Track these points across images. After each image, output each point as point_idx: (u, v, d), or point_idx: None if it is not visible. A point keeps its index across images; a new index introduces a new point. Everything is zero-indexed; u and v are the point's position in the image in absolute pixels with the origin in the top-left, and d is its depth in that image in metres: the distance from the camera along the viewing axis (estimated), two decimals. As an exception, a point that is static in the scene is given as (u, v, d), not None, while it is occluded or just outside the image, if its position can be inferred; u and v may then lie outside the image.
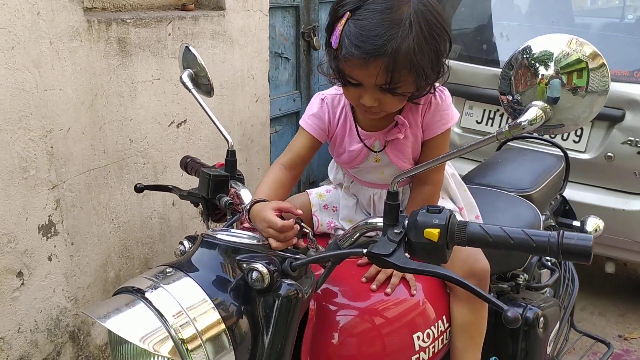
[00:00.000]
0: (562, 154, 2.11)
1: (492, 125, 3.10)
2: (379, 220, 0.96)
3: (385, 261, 0.87)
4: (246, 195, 1.20)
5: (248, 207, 1.10)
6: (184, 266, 0.94)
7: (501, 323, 1.57)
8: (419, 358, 1.14)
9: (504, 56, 3.11)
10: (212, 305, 0.90)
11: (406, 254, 0.89)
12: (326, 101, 1.37)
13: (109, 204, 2.14)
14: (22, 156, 1.80)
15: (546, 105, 0.83)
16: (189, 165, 1.40)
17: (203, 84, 1.34)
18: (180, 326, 0.86)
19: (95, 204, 2.08)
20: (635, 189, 2.71)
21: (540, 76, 0.84)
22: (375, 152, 1.36)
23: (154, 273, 0.93)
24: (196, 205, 1.26)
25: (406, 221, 0.91)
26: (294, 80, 3.82)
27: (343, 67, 1.16)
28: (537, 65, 0.84)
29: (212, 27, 2.48)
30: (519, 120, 0.85)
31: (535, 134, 2.76)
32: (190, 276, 0.92)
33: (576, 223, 2.30)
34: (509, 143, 2.30)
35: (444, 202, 1.44)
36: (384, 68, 1.11)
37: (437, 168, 1.33)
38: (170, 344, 0.84)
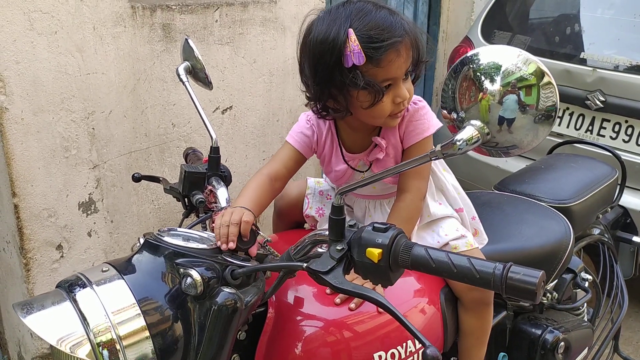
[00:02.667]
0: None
1: (559, 125, 2.89)
2: (325, 233, 0.90)
3: (322, 278, 0.82)
4: (222, 195, 1.18)
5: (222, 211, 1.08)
6: (122, 267, 0.94)
7: (518, 342, 1.48)
8: None
9: (576, 50, 2.87)
10: (139, 311, 0.89)
11: (351, 272, 0.84)
12: (312, 122, 1.37)
13: (150, 185, 2.21)
14: (64, 136, 1.89)
15: (482, 125, 0.74)
16: (189, 156, 1.41)
17: (201, 77, 1.33)
18: (100, 330, 0.86)
19: (135, 184, 2.16)
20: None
21: (484, 90, 0.75)
22: (362, 171, 1.36)
23: (92, 271, 0.94)
24: (178, 200, 1.27)
25: (351, 237, 0.85)
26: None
27: (376, 73, 1.16)
28: (483, 78, 0.75)
29: (262, 14, 2.48)
30: (454, 139, 0.77)
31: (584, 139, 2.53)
32: (123, 278, 0.92)
33: (637, 238, 2.10)
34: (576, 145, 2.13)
35: (439, 207, 1.38)
36: (410, 47, 1.18)
37: (417, 176, 1.30)
38: (87, 347, 0.85)
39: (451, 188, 1.43)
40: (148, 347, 0.88)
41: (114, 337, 0.86)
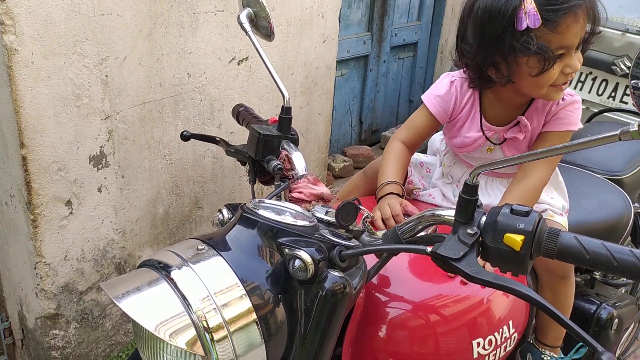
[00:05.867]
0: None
1: (580, 90, 2.80)
2: (448, 214, 0.81)
3: (453, 266, 0.73)
4: (298, 160, 1.06)
5: (380, 186, 1.22)
6: (218, 243, 0.82)
7: (570, 319, 1.43)
8: None
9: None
10: (244, 291, 0.78)
11: (478, 259, 0.74)
12: (455, 84, 1.34)
13: (162, 139, 2.07)
14: (76, 83, 1.73)
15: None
16: (240, 115, 1.27)
17: (262, 26, 1.18)
18: (206, 313, 0.75)
19: (148, 138, 2.01)
20: None
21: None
22: (494, 144, 1.33)
23: (184, 248, 0.82)
24: (243, 164, 1.14)
25: (483, 220, 0.76)
26: (367, 20, 3.59)
27: (550, 39, 1.12)
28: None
29: (283, -43, 2.30)
30: None
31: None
32: (222, 256, 0.80)
33: None
34: (607, 115, 2.05)
35: (552, 200, 1.33)
36: (587, 15, 1.13)
37: (547, 161, 1.25)
38: (190, 333, 0.74)
39: (564, 187, 1.40)
40: (256, 333, 0.78)
41: (221, 320, 0.75)
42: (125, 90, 1.88)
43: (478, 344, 0.99)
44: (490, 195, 1.36)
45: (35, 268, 1.84)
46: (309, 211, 0.89)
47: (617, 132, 0.64)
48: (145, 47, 1.89)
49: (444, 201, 1.40)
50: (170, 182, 2.16)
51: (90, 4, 1.68)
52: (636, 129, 0.64)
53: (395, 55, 3.94)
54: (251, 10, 1.16)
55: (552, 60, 1.13)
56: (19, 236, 1.86)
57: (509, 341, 1.05)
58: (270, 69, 1.14)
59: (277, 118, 1.13)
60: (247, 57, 2.28)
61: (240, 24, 1.15)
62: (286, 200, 0.99)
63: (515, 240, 0.70)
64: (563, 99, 1.27)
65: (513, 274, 0.73)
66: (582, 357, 1.34)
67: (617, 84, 2.66)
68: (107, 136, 1.87)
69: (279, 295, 0.81)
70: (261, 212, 0.84)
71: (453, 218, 0.77)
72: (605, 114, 2.19)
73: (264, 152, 1.00)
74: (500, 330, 1.02)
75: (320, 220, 0.89)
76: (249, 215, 0.84)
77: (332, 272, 0.80)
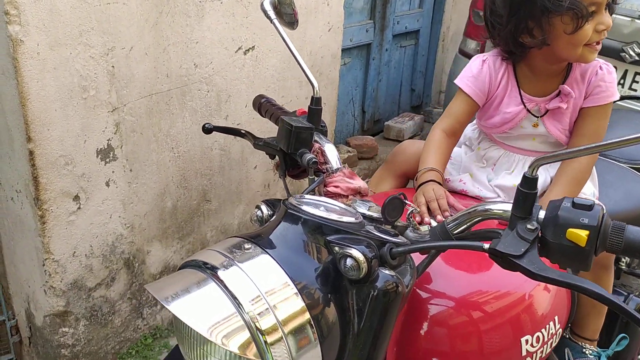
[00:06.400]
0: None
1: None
2: (503, 208, 0.77)
3: (514, 264, 0.69)
4: (331, 153, 1.02)
5: (420, 173, 1.20)
6: (263, 241, 0.78)
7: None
8: None
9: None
10: (296, 290, 0.74)
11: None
12: (488, 62, 1.34)
13: (170, 131, 2.02)
14: (82, 74, 1.68)
15: None
16: (262, 106, 1.23)
17: (287, 14, 1.14)
18: (259, 314, 0.70)
19: (155, 130, 1.97)
20: None
21: None
22: (536, 117, 1.33)
23: (228, 246, 0.77)
24: (272, 157, 1.10)
25: (541, 214, 0.72)
26: (369, 8, 3.54)
27: None
28: None
29: (289, -57, 2.24)
30: None
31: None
32: (269, 254, 0.76)
33: None
34: (618, 103, 2.01)
35: (586, 189, 1.29)
36: None
37: (596, 139, 1.28)
38: (244, 335, 0.70)
39: (595, 174, 1.39)
40: (310, 333, 0.74)
41: (275, 321, 0.71)
42: (132, 82, 1.83)
43: (526, 341, 0.96)
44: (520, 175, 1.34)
45: (44, 265, 1.80)
46: (349, 206, 0.85)
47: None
48: (151, 37, 1.84)
49: (474, 186, 1.38)
50: (178, 175, 2.12)
51: (96, -7, 1.63)
52: None
53: (397, 44, 3.89)
54: None
55: (585, 17, 1.13)
56: (26, 232, 1.81)
57: (554, 337, 1.01)
58: (298, 58, 1.09)
59: (305, 109, 1.09)
60: (253, 47, 2.24)
61: (265, 11, 1.11)
62: (320, 195, 0.95)
63: (580, 235, 0.67)
64: (601, 68, 1.27)
65: (573, 270, 0.70)
66: (623, 349, 1.32)
67: (626, 70, 2.63)
68: (114, 129, 1.83)
69: (329, 295, 0.77)
70: (305, 208, 0.80)
71: (509, 213, 0.74)
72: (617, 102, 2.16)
73: (296, 145, 0.96)
74: (547, 326, 0.99)
75: (363, 215, 0.85)
76: (294, 212, 0.80)
77: (383, 271, 0.76)
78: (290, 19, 1.13)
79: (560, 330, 1.05)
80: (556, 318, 1.03)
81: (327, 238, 0.78)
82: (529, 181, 0.72)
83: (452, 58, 4.46)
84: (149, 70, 1.87)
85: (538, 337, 0.98)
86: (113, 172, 1.88)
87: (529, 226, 0.72)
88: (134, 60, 1.81)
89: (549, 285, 1.04)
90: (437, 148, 1.31)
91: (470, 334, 0.95)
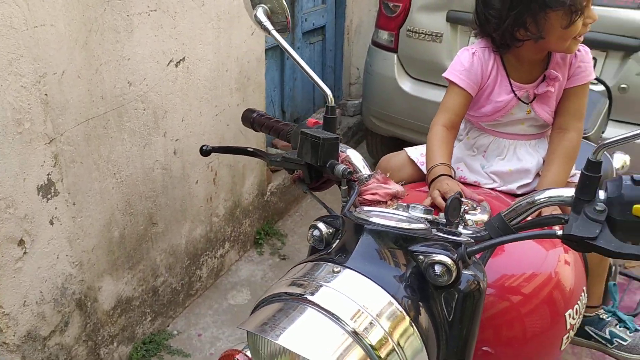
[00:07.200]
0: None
1: None
2: (565, 193, 0.80)
3: (591, 245, 0.72)
4: (357, 160, 1.00)
5: (430, 169, 1.23)
6: (339, 258, 0.76)
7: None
8: (568, 337, 1.02)
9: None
10: (391, 298, 0.73)
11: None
12: (477, 55, 1.37)
13: (110, 156, 1.89)
14: (15, 107, 1.52)
15: None
16: (256, 121, 1.18)
17: (279, 22, 1.09)
18: (366, 329, 0.68)
19: (95, 157, 1.83)
20: (648, 121, 2.66)
21: None
22: (526, 103, 1.39)
23: (304, 272, 0.74)
24: (290, 172, 1.05)
25: (602, 195, 0.76)
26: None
27: None
28: None
29: (207, -52, 2.17)
30: None
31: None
32: (351, 268, 0.75)
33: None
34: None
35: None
36: None
37: (580, 116, 1.37)
38: (358, 353, 0.67)
39: None
40: (417, 339, 0.73)
41: (384, 332, 0.70)
42: (67, 108, 1.68)
43: (569, 315, 1.01)
44: (520, 159, 1.40)
45: (-8, 321, 1.61)
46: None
47: None
48: (82, 58, 1.70)
49: (471, 174, 1.42)
50: (122, 201, 1.99)
51: (21, 16, 1.48)
52: None
53: (307, 40, 3.90)
54: (266, 7, 1.06)
55: (578, 12, 1.20)
56: (-35, 289, 1.62)
57: (583, 308, 1.07)
58: (305, 68, 1.04)
59: (315, 120, 1.06)
60: (183, 58, 2.14)
61: (260, 22, 1.05)
62: (356, 204, 0.93)
63: None
64: (579, 50, 1.35)
65: (635, 243, 0.74)
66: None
67: (595, 59, 2.74)
68: (53, 161, 1.67)
69: (420, 302, 0.77)
70: (375, 220, 0.78)
71: (571, 197, 0.77)
72: None
73: (325, 157, 0.93)
74: (581, 296, 1.04)
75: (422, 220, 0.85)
76: (369, 227, 0.78)
77: (464, 272, 0.76)
78: (283, 27, 1.09)
79: (587, 300, 1.11)
80: (584, 288, 1.09)
81: (409, 248, 0.78)
82: (593, 165, 0.75)
83: (357, 51, 4.56)
84: (83, 93, 1.73)
85: (576, 309, 1.03)
86: (56, 208, 1.72)
87: (597, 208, 0.75)
88: (66, 85, 1.66)
89: (569, 259, 1.10)
90: (441, 143, 1.32)
91: (513, 319, 0.98)
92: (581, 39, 1.29)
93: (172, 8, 2.02)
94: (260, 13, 1.05)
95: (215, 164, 2.48)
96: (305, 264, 0.77)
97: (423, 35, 3.10)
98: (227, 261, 2.76)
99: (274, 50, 3.53)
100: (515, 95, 1.37)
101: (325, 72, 4.23)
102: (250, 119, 1.18)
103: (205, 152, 1.09)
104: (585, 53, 1.37)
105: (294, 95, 3.81)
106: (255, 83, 2.70)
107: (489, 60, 1.37)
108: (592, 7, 1.26)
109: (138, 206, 2.07)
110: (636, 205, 0.72)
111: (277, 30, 1.08)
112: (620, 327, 1.46)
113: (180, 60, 2.13)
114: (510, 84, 1.37)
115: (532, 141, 1.43)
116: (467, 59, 1.38)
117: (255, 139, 2.75)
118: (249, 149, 1.13)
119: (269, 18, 1.07)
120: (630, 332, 1.45)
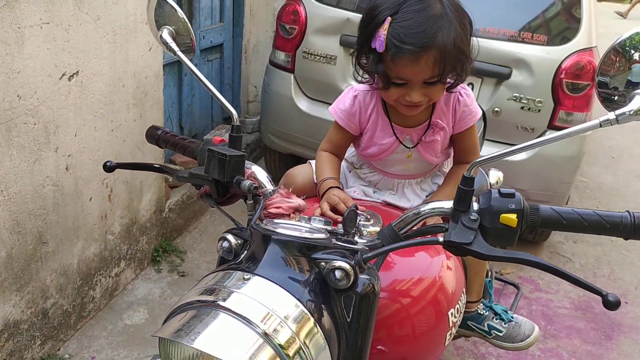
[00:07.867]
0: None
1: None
2: (445, 206, 0.90)
3: (467, 249, 0.83)
4: (262, 176, 1.05)
5: (320, 182, 1.31)
6: (247, 266, 0.81)
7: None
8: (450, 334, 1.13)
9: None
10: (297, 301, 0.80)
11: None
12: (359, 98, 1.39)
13: (-3, 173, 1.80)
14: None
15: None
16: (161, 138, 1.19)
17: (184, 43, 1.12)
18: (274, 330, 0.74)
19: (-20, 174, 1.74)
20: (517, 141, 2.95)
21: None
22: (409, 148, 1.41)
23: (214, 282, 0.78)
24: (197, 187, 1.08)
25: (476, 206, 0.87)
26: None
27: (390, 68, 1.18)
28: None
29: (104, -38, 2.14)
30: (631, 110, 0.81)
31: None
32: (259, 275, 0.81)
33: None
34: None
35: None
36: (434, 60, 1.16)
37: (475, 151, 1.44)
38: (267, 352, 0.73)
39: None
40: (320, 338, 0.80)
41: (292, 334, 0.76)
42: (-50, 122, 1.59)
43: (451, 313, 1.12)
44: (409, 199, 1.46)
45: None
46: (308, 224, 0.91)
47: (599, 121, 0.81)
48: (-32, 70, 1.62)
49: (365, 197, 1.49)
50: (10, 220, 1.89)
51: None
52: (614, 117, 0.81)
53: (205, 58, 3.92)
54: (171, 28, 1.09)
55: (388, 85, 1.21)
56: None
57: (463, 306, 1.19)
58: (210, 88, 1.09)
59: (221, 138, 1.10)
60: (77, 72, 2.09)
61: (166, 44, 1.08)
62: (262, 217, 0.98)
63: (511, 218, 0.83)
64: (461, 95, 1.36)
65: (502, 247, 0.86)
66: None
67: (472, 85, 2.96)
68: None
69: (322, 305, 0.84)
70: (281, 230, 0.84)
71: (450, 209, 0.87)
72: None
73: (231, 173, 0.97)
74: (461, 297, 1.16)
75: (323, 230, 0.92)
76: (276, 237, 0.84)
77: (360, 276, 0.84)
78: (188, 49, 1.13)
79: (466, 300, 1.25)
80: (464, 289, 1.22)
81: (312, 256, 0.85)
82: (467, 180, 0.87)
83: (255, 69, 4.62)
84: (-32, 107, 1.65)
85: (457, 308, 1.15)
86: None
87: (471, 217, 0.86)
88: (-51, 98, 1.58)
89: (450, 264, 1.23)
90: (327, 163, 1.40)
91: (404, 319, 1.08)
92: (411, 110, 1.27)
93: (65, 21, 1.98)
94: (165, 34, 1.08)
95: (110, 181, 2.42)
96: (216, 273, 0.82)
97: (318, 57, 3.24)
98: (123, 280, 2.69)
99: (172, 66, 3.51)
100: (397, 138, 1.38)
101: (223, 89, 4.26)
102: (155, 136, 1.20)
103: (109, 168, 1.09)
104: (467, 96, 1.38)
105: (192, 111, 3.80)
106: (153, 99, 2.68)
107: (370, 104, 1.37)
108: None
109: (27, 224, 1.98)
110: (503, 215, 0.84)
111: (182, 51, 1.12)
112: (496, 319, 1.63)
113: (74, 74, 2.08)
114: (392, 127, 1.38)
115: (419, 179, 1.49)
116: (348, 101, 1.39)
117: (152, 155, 2.72)
118: (155, 165, 1.15)
119: (174, 39, 1.10)
120: (505, 324, 1.62)
